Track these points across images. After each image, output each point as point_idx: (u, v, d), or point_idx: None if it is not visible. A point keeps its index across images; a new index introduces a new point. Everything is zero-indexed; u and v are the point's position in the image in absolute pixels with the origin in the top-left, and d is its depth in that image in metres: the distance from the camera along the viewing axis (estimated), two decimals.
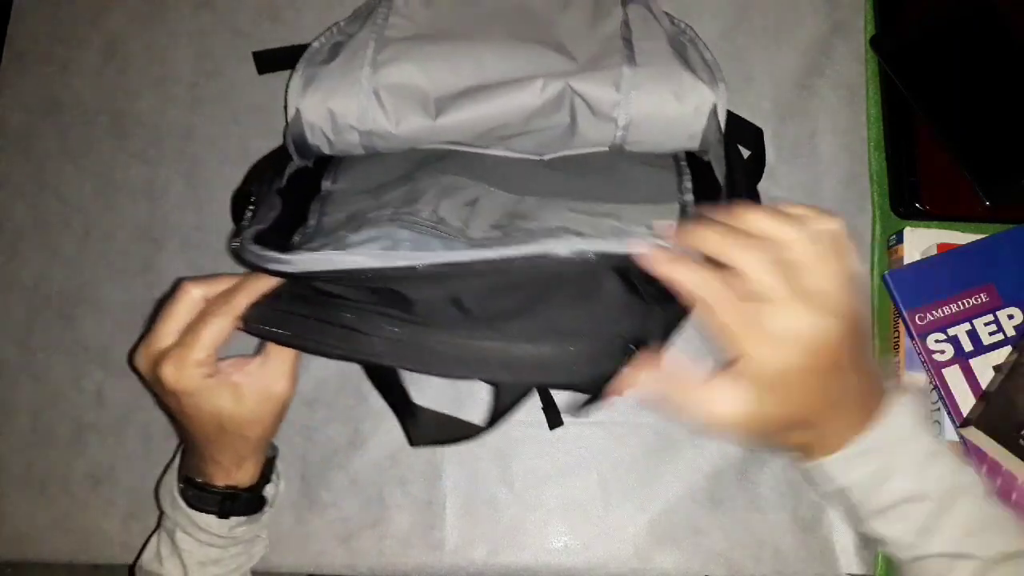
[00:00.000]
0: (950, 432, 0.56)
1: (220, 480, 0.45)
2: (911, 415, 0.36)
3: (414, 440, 0.53)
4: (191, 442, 0.44)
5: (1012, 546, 0.36)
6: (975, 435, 0.54)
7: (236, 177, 0.65)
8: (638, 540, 0.58)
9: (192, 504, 0.45)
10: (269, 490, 0.50)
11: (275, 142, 0.65)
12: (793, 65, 0.65)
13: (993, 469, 0.54)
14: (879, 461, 0.36)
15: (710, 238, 0.33)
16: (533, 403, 0.60)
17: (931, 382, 0.57)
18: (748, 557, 0.57)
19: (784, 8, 0.66)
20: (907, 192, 0.60)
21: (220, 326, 0.40)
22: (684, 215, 0.48)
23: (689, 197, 0.50)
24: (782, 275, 0.31)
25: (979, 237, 0.58)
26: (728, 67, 0.63)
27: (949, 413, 0.56)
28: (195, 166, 0.66)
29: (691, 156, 0.53)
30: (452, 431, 0.53)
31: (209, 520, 0.45)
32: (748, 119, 0.64)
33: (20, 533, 0.59)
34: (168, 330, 0.41)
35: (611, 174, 0.51)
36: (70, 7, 0.69)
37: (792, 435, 0.35)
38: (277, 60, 0.63)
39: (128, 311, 0.63)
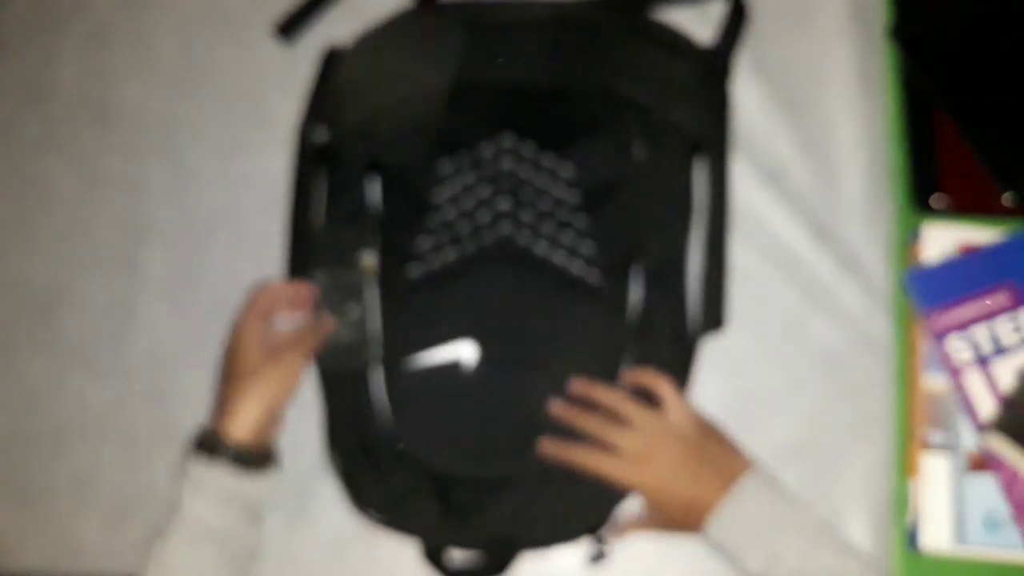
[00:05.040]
0: (969, 437, 0.56)
1: (214, 424, 0.53)
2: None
3: None
4: (218, 392, 0.56)
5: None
6: (995, 441, 0.54)
7: (222, 169, 0.66)
8: (641, 548, 0.58)
9: (193, 443, 0.54)
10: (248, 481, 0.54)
11: (263, 132, 0.66)
12: (810, 54, 0.66)
13: (1013, 476, 0.54)
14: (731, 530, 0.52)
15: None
16: None
17: (950, 386, 0.57)
18: None
19: None
20: (927, 186, 0.61)
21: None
22: None
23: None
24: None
25: (1000, 234, 0.59)
26: (744, 55, 0.65)
27: (968, 418, 0.56)
28: (180, 157, 0.66)
29: None
30: None
31: (198, 467, 0.52)
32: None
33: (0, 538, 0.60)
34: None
35: None
36: None
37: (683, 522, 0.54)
38: (298, 19, 0.66)
39: (110, 309, 0.64)
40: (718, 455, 0.53)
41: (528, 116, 0.61)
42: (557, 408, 0.56)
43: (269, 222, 0.64)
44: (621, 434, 0.54)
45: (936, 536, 0.55)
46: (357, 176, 0.60)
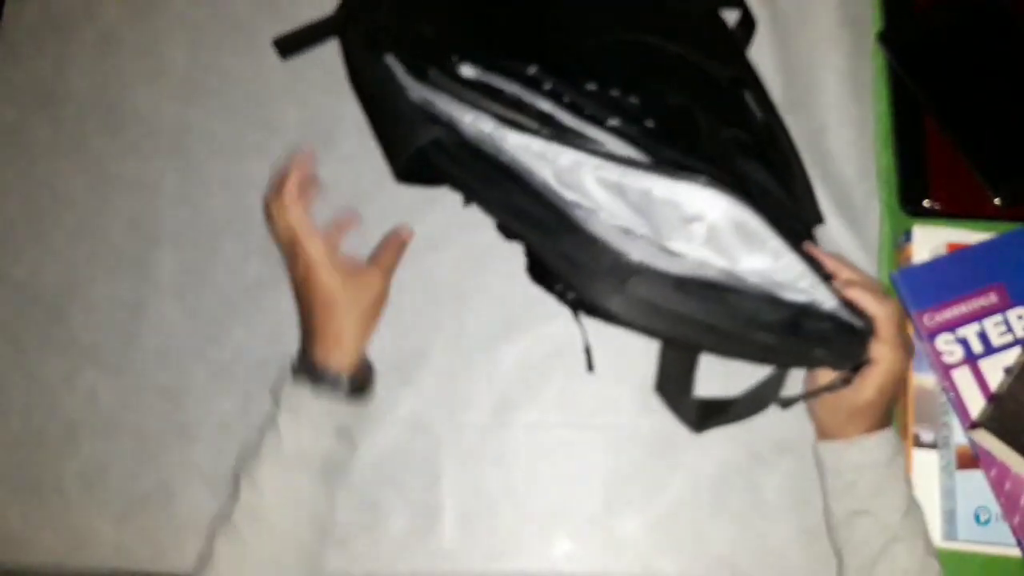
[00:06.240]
0: (959, 435, 0.58)
1: (314, 353, 0.54)
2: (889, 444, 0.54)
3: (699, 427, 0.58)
4: (307, 320, 0.56)
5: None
6: (984, 437, 0.55)
7: (231, 172, 0.68)
8: (640, 545, 0.60)
9: (295, 370, 0.54)
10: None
11: (270, 136, 0.67)
12: (801, 59, 0.67)
13: (1002, 472, 0.56)
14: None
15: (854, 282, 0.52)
16: (535, 403, 0.62)
17: (940, 384, 0.59)
18: (752, 563, 0.59)
19: (792, 1, 0.68)
20: (917, 189, 0.62)
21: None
22: None
23: None
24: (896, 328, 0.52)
25: (989, 236, 0.60)
26: None
27: (958, 415, 0.58)
28: (189, 160, 0.68)
29: None
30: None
31: (300, 396, 0.53)
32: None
33: (11, 534, 0.61)
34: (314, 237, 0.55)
35: None
36: None
37: (854, 419, 0.54)
38: (299, 41, 0.67)
39: (120, 308, 0.65)
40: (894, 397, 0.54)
41: (578, 68, 0.57)
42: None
43: None
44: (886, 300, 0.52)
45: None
46: (444, 57, 0.55)
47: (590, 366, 0.62)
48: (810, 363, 0.54)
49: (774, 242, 0.47)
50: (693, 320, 0.48)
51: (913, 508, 0.53)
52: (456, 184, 0.56)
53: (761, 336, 0.49)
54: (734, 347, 0.50)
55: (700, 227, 0.47)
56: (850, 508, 0.54)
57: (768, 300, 0.50)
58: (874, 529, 0.52)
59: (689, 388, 0.59)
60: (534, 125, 0.50)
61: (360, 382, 0.56)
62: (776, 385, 0.57)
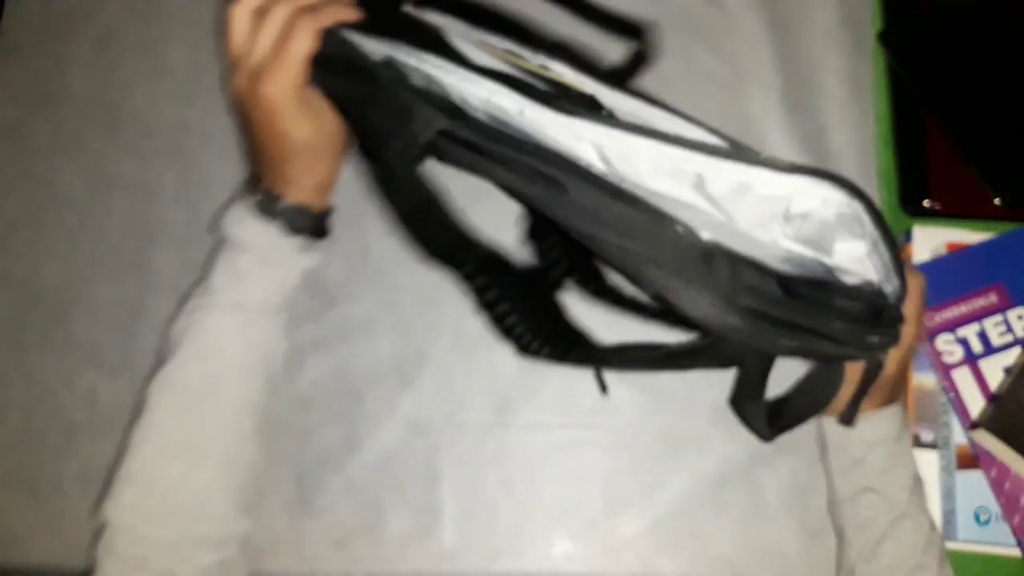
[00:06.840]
0: (959, 435, 0.58)
1: (292, 197, 0.48)
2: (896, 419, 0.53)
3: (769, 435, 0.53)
4: (270, 162, 0.48)
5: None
6: (984, 438, 0.56)
7: (230, 171, 0.68)
8: (640, 546, 0.60)
9: (264, 210, 0.48)
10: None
11: None
12: (801, 59, 0.68)
13: (1002, 472, 0.56)
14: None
15: None
16: (535, 403, 0.63)
17: (940, 384, 0.59)
18: (753, 563, 0.59)
19: (792, 1, 0.69)
20: (916, 189, 0.63)
21: (307, 42, 0.43)
22: None
23: None
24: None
25: (989, 236, 0.60)
26: (737, 60, 0.66)
27: (958, 415, 0.58)
28: (189, 160, 0.68)
29: None
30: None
31: (272, 233, 0.48)
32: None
33: (10, 535, 0.62)
34: (262, 45, 0.44)
35: None
36: None
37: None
38: None
39: (120, 309, 0.65)
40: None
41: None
42: None
43: None
44: None
45: None
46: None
47: (603, 387, 0.62)
48: (869, 353, 0.46)
49: (873, 233, 0.39)
50: (781, 321, 0.40)
51: (918, 485, 0.53)
52: (483, 176, 0.44)
53: (845, 329, 0.41)
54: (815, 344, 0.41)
55: (803, 222, 0.38)
56: (857, 485, 0.53)
57: (851, 290, 0.42)
58: (882, 506, 0.52)
59: (762, 394, 0.52)
60: (573, 105, 0.40)
61: (323, 226, 0.50)
62: (836, 376, 0.50)
